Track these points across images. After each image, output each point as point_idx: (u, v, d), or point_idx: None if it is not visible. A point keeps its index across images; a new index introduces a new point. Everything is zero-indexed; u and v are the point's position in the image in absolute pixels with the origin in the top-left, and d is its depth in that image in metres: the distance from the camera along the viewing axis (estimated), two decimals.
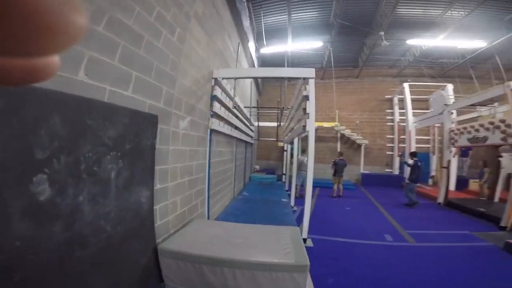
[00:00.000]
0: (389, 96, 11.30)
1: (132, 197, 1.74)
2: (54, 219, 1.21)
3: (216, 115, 3.83)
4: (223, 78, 3.93)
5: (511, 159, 7.65)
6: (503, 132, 5.18)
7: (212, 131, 3.70)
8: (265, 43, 8.62)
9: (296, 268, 2.00)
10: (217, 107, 3.84)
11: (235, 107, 4.62)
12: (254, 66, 8.42)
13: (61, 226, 1.24)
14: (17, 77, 0.14)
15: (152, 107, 2.12)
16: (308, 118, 3.52)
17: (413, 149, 9.04)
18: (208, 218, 3.58)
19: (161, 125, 2.23)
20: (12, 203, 1.05)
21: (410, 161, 6.73)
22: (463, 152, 9.12)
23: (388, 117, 11.34)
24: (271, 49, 9.17)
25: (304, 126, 3.61)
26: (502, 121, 5.32)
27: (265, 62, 10.12)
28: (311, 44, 9.18)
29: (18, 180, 1.09)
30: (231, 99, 4.50)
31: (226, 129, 4.50)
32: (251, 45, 7.47)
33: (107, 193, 1.52)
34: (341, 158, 7.45)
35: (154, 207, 2.09)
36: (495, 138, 5.46)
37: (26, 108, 1.12)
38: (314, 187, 3.58)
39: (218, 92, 3.84)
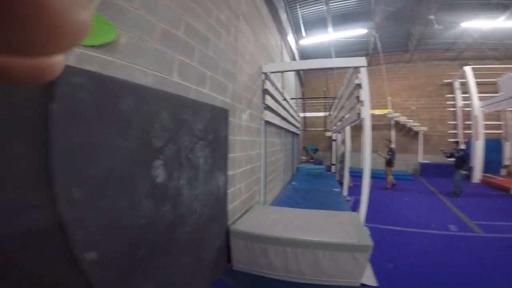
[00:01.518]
0: (449, 80, 10.14)
1: (213, 181, 1.99)
2: (166, 200, 1.48)
3: (268, 108, 4.00)
4: (271, 72, 4.07)
5: None
6: None
7: (266, 122, 3.88)
8: (304, 34, 8.46)
9: (358, 248, 2.01)
10: (268, 99, 4.00)
11: (284, 99, 4.72)
12: (294, 59, 8.35)
13: (170, 206, 1.51)
14: (22, 77, 0.14)
15: (223, 102, 2.36)
16: (362, 105, 3.49)
17: (480, 135, 8.16)
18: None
19: (229, 118, 2.46)
20: (140, 185, 1.32)
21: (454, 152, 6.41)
22: None
23: (448, 102, 10.20)
24: (311, 40, 8.95)
25: (359, 114, 3.56)
26: None
27: (305, 53, 9.93)
28: (355, 32, 8.69)
29: (144, 165, 1.37)
30: (280, 92, 4.61)
31: (277, 121, 4.65)
32: (290, 38, 7.42)
33: (198, 177, 1.78)
34: (392, 146, 7.06)
35: (227, 191, 2.34)
36: None
37: (146, 105, 1.40)
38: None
39: (268, 85, 3.99)
